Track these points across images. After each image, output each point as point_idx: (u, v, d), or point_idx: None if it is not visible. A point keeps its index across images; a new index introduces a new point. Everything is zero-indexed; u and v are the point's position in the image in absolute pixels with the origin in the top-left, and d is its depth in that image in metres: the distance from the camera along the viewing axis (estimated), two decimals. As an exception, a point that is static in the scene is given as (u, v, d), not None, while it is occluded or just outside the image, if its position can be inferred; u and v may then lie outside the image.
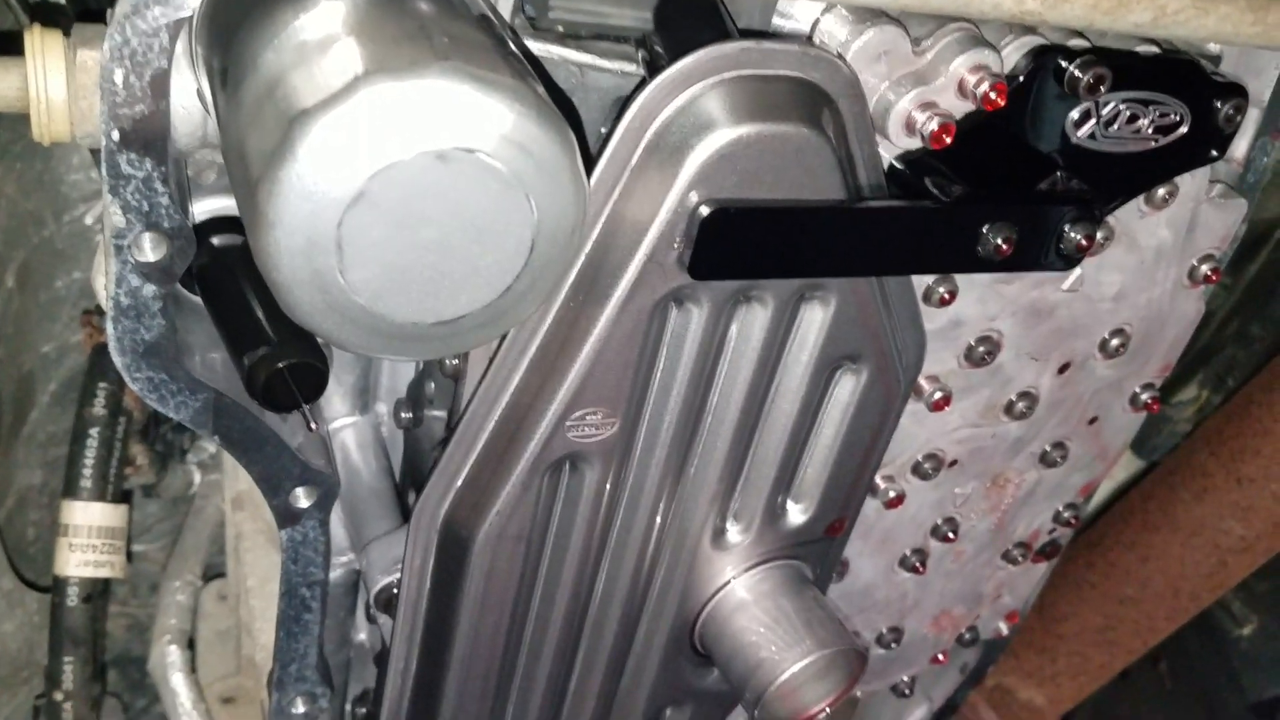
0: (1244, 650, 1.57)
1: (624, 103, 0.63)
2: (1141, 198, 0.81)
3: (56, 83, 0.63)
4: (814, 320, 0.70)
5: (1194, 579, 1.34)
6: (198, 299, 0.72)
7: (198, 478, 1.27)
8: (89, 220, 1.18)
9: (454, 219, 0.53)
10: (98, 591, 1.00)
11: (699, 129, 0.60)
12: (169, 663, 1.09)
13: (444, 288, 0.55)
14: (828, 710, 0.81)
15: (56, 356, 1.19)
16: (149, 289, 0.62)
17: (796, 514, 0.80)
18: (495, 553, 0.72)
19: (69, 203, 1.17)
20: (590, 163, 0.61)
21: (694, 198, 0.61)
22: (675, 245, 0.63)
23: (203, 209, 0.70)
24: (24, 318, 1.18)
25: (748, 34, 0.66)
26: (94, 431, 0.98)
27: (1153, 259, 0.85)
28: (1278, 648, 1.52)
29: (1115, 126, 0.74)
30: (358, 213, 0.50)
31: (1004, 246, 0.67)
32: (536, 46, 0.66)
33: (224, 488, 1.16)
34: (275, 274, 0.52)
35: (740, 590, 0.80)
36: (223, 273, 0.69)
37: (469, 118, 0.50)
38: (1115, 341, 0.87)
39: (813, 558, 0.83)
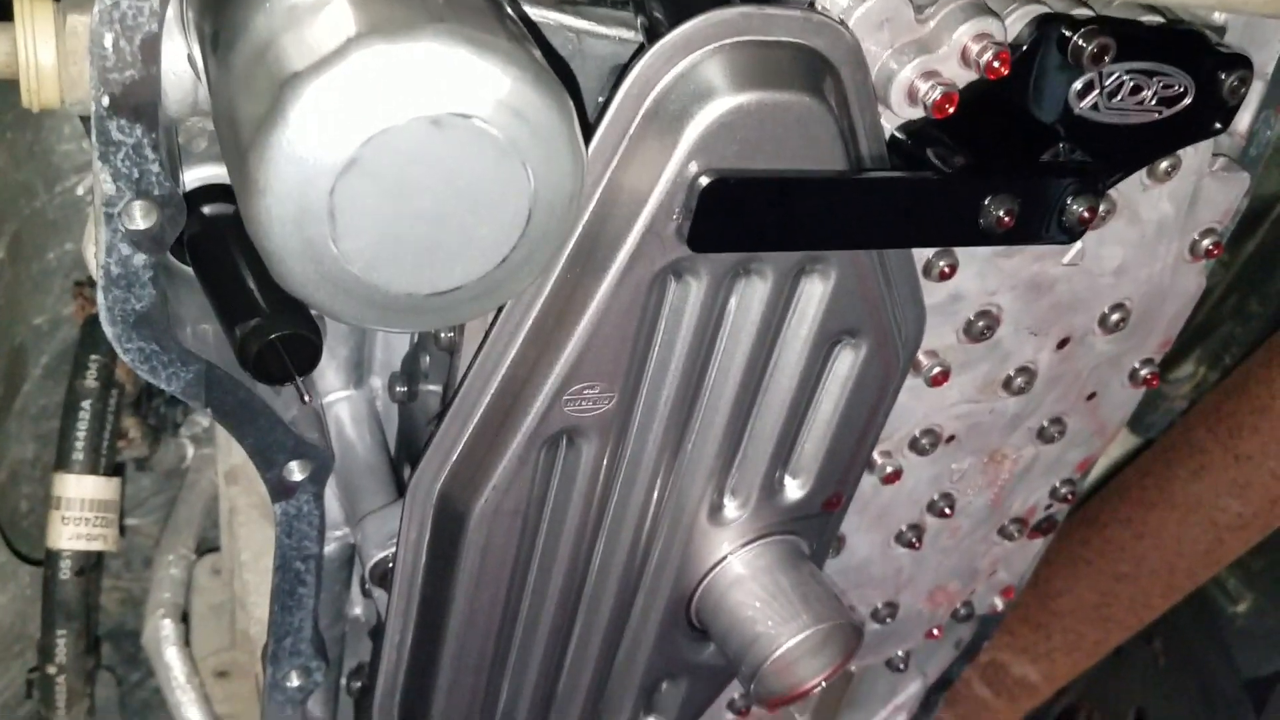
0: (1239, 627, 1.57)
1: (622, 70, 0.62)
2: (1144, 171, 0.80)
3: (46, 48, 0.62)
4: (814, 294, 0.70)
5: (1190, 556, 1.34)
6: (189, 269, 0.71)
7: (191, 451, 1.26)
8: (81, 191, 1.17)
9: (449, 187, 0.52)
10: (90, 565, 0.99)
11: (699, 97, 0.59)
12: (163, 636, 1.09)
13: (439, 258, 0.54)
14: (823, 684, 0.81)
15: (49, 329, 1.18)
16: (139, 258, 0.61)
17: (794, 489, 0.79)
18: (491, 527, 0.71)
19: (61, 173, 1.16)
20: (588, 131, 0.60)
21: (693, 168, 0.60)
22: (674, 216, 0.62)
23: (194, 177, 0.69)
24: (15, 289, 1.18)
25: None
26: (86, 404, 0.98)
27: (1154, 233, 0.84)
28: (1272, 624, 1.52)
29: (1119, 98, 0.73)
30: (350, 180, 0.49)
31: (1005, 219, 0.67)
32: (532, 11, 0.65)
33: (217, 462, 1.15)
34: (266, 242, 0.51)
35: (737, 565, 0.79)
36: (214, 242, 0.69)
37: (464, 82, 0.49)
38: (1115, 316, 0.87)
39: (809, 533, 0.82)
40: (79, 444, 0.97)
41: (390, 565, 0.78)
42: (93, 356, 0.99)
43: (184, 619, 1.17)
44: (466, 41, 0.49)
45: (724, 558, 0.80)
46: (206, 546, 1.26)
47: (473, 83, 0.49)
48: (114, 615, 1.32)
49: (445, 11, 0.49)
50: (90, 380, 0.98)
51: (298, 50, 0.48)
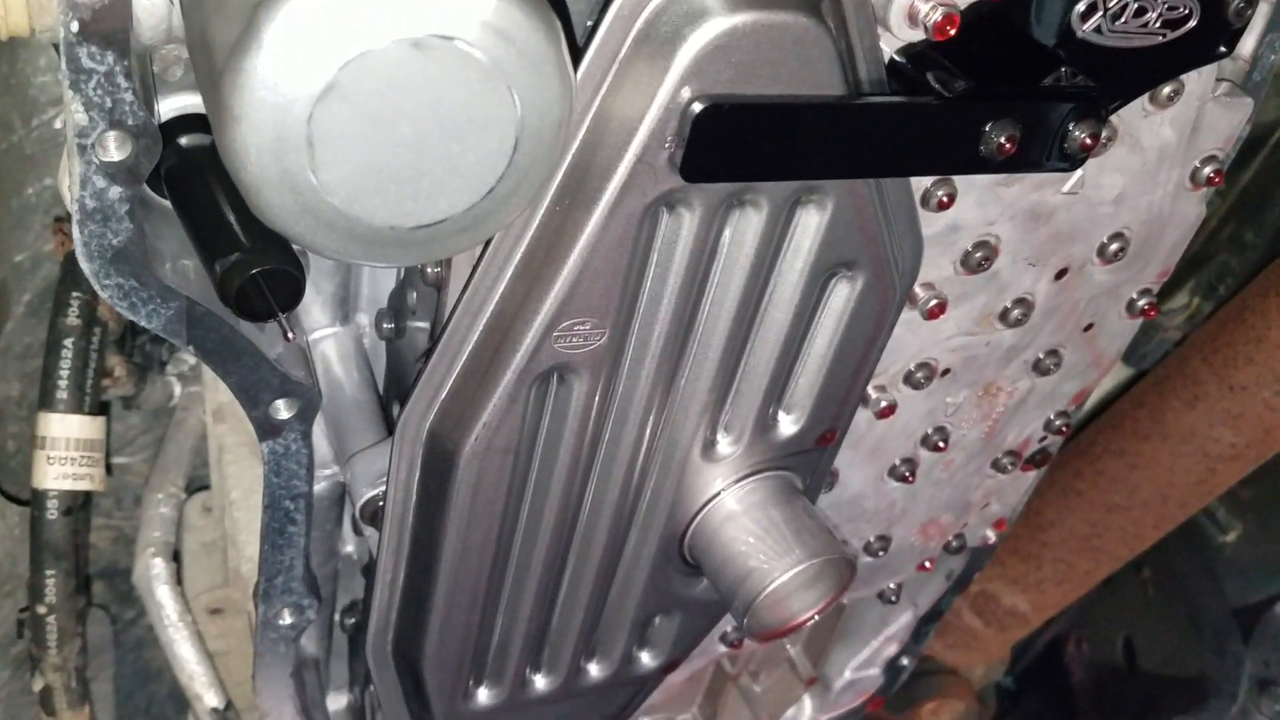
0: (1228, 556, 1.59)
1: (611, -9, 0.60)
2: (1145, 96, 0.78)
3: (10, -29, 0.60)
4: (809, 225, 0.68)
5: (1182, 486, 1.34)
6: (166, 203, 0.69)
7: (178, 390, 1.25)
8: (59, 125, 1.14)
9: (432, 114, 0.50)
10: (78, 504, 0.98)
11: (692, 18, 0.57)
12: (154, 575, 1.09)
13: (423, 189, 0.52)
14: (816, 618, 0.81)
15: (30, 266, 1.16)
16: (115, 190, 0.59)
17: (788, 425, 0.79)
18: (482, 466, 0.70)
19: (37, 106, 1.13)
20: (576, 56, 0.57)
21: (686, 93, 0.58)
22: (666, 145, 0.60)
23: (170, 107, 0.67)
24: (-7, 224, 1.15)
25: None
26: (68, 342, 0.96)
27: (1155, 160, 0.82)
28: (1261, 553, 1.53)
29: (1122, 20, 0.71)
30: (328, 106, 0.48)
31: (1006, 145, 0.65)
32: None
33: (205, 400, 1.14)
34: (243, 173, 0.49)
35: (730, 501, 0.79)
36: (192, 174, 0.66)
37: (447, 2, 0.47)
38: (1114, 246, 0.85)
39: (803, 468, 0.82)
40: (62, 383, 0.95)
41: (380, 504, 0.77)
42: (74, 294, 0.97)
43: (175, 557, 1.17)
44: (448, -41, 0.47)
45: (717, 494, 0.79)
46: (197, 485, 1.25)
47: (456, 2, 0.47)
48: (105, 554, 1.32)
49: (425, -72, 0.47)
50: (72, 318, 0.96)
51: (271, -30, 0.46)
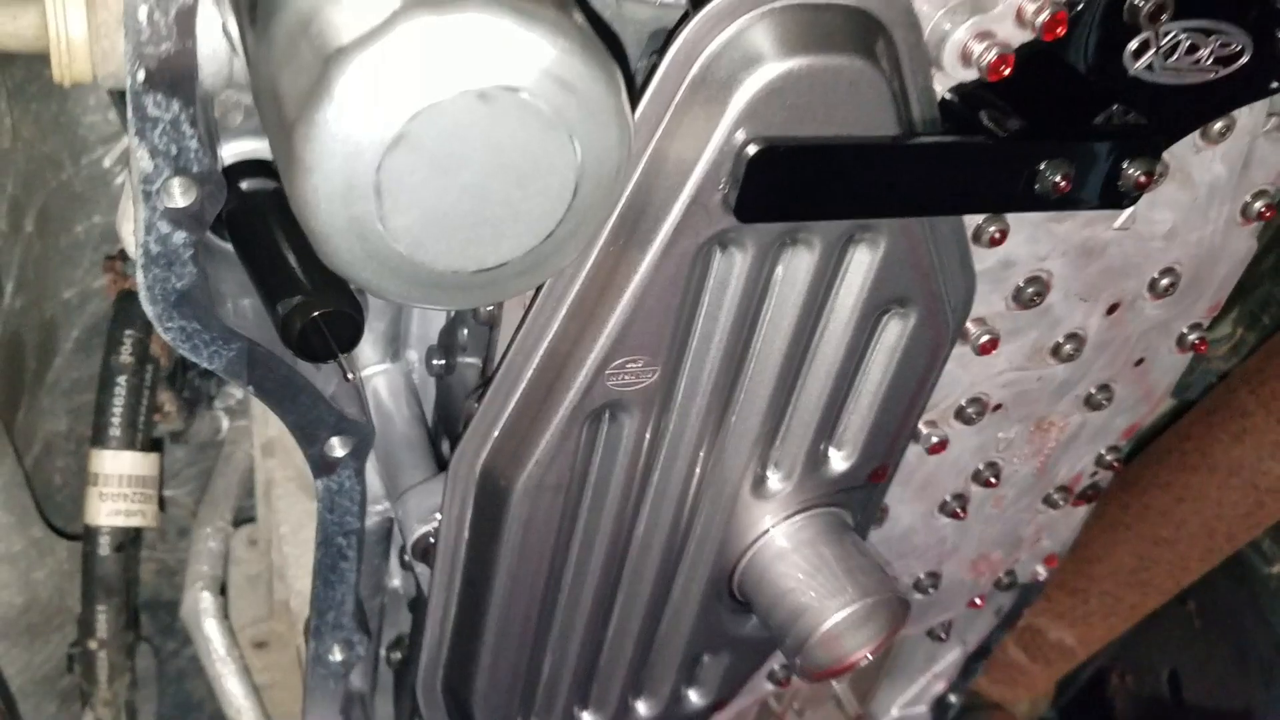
0: (1274, 588, 1.56)
1: (668, 36, 0.60)
2: (1197, 132, 0.78)
3: (77, 20, 0.61)
4: (862, 263, 0.68)
5: (1230, 519, 1.33)
6: (227, 245, 0.70)
7: (225, 423, 1.26)
8: (108, 163, 1.16)
9: (495, 161, 0.50)
10: (129, 540, 0.99)
11: (747, 63, 0.58)
12: (202, 609, 1.10)
13: (485, 234, 0.53)
14: (868, 658, 0.80)
15: (79, 303, 1.18)
16: (179, 236, 0.60)
17: (839, 461, 0.78)
18: (534, 502, 0.70)
19: (87, 145, 1.15)
20: (633, 99, 0.58)
21: (741, 136, 0.59)
22: (720, 186, 0.60)
23: (230, 152, 0.68)
24: (44, 263, 1.17)
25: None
26: (121, 380, 0.97)
27: (1206, 196, 0.82)
28: (1310, 587, 1.51)
29: (1175, 57, 0.70)
30: (397, 156, 0.48)
31: (1062, 184, 0.65)
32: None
33: (253, 434, 1.15)
34: (312, 221, 0.50)
35: (780, 538, 0.78)
36: (253, 218, 0.67)
37: (512, 54, 0.48)
38: (1165, 281, 0.85)
39: (854, 505, 0.81)
40: (115, 420, 0.97)
41: (433, 540, 0.77)
42: (127, 332, 0.99)
43: (221, 591, 1.18)
44: (513, 12, 0.47)
45: (767, 530, 0.79)
46: (242, 517, 1.26)
47: (519, 55, 0.48)
48: (150, 586, 1.33)
49: (491, -20, 0.48)
50: (125, 356, 0.97)
51: (342, 24, 0.47)
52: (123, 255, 1.13)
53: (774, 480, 0.78)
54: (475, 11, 0.47)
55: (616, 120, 0.52)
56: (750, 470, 0.76)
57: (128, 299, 1.01)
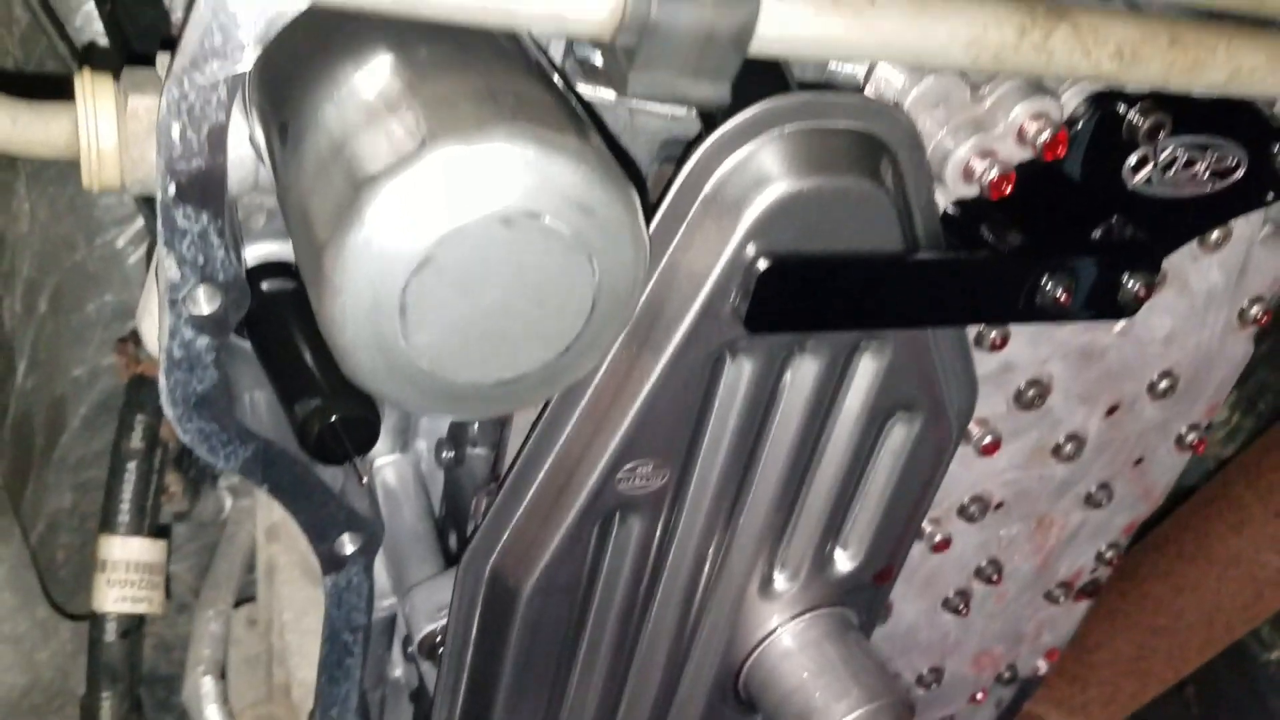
0: (1272, 675, 1.55)
1: (683, 153, 0.62)
2: (1194, 240, 0.80)
3: (108, 130, 0.63)
4: (868, 370, 0.70)
5: (1229, 610, 1.33)
6: (244, 342, 0.71)
7: (229, 503, 1.26)
8: (121, 243, 1.18)
9: (517, 281, 0.52)
10: (134, 626, 0.99)
11: (757, 183, 0.60)
12: (204, 694, 1.09)
13: (504, 348, 0.54)
14: (873, 758, 0.80)
15: (88, 380, 1.19)
16: (203, 341, 0.62)
17: (845, 562, 0.79)
18: (543, 604, 0.71)
19: (101, 226, 1.17)
20: (644, 203, 0.60)
21: (751, 250, 0.60)
22: (731, 298, 0.62)
23: (252, 254, 0.70)
24: (55, 342, 1.18)
25: (806, 85, 0.65)
26: (131, 465, 0.98)
27: (1204, 302, 0.84)
28: (1310, 676, 1.50)
29: (1172, 171, 0.73)
30: (422, 277, 0.50)
31: (1063, 297, 0.66)
32: (587, 90, 0.65)
33: (257, 516, 1.15)
34: (338, 338, 0.51)
35: (786, 638, 0.79)
36: (272, 318, 0.69)
37: (535, 182, 0.49)
38: (1164, 383, 0.86)
39: (859, 604, 0.82)
40: (124, 505, 0.97)
41: (439, 639, 0.78)
42: (138, 417, 1.00)
43: (222, 675, 1.17)
44: (537, 142, 0.49)
45: (773, 630, 0.79)
46: (242, 596, 1.26)
47: (544, 182, 0.49)
48: (148, 660, 1.32)
49: (516, 110, 0.50)
50: (136, 441, 0.98)
51: (374, 151, 0.49)
52: (135, 337, 1.14)
53: (780, 580, 0.78)
54: (502, 142, 0.48)
55: (633, 240, 0.54)
56: (757, 570, 0.77)
57: (139, 383, 1.02)
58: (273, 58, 0.56)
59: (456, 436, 0.85)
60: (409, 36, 0.52)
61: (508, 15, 0.47)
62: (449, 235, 0.49)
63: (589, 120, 0.57)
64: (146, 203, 1.00)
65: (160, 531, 0.99)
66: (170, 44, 0.64)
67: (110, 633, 0.97)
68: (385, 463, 0.89)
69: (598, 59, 0.65)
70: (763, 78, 0.62)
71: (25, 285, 1.17)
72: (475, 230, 0.49)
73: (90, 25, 1.04)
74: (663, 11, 0.48)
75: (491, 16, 0.47)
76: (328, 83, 0.53)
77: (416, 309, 0.51)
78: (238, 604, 1.24)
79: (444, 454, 0.86)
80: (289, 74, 0.56)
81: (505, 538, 0.70)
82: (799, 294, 0.63)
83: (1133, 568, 1.39)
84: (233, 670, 1.20)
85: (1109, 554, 0.99)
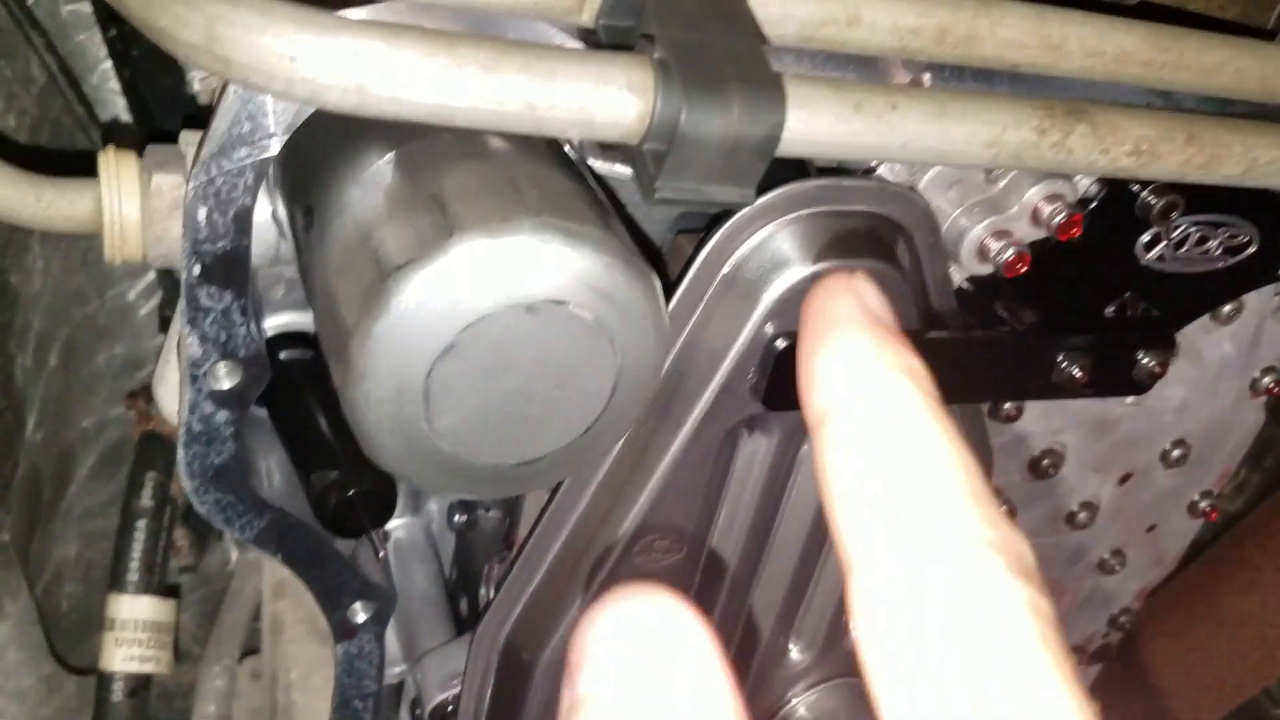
0: (1282, 731, 1.54)
1: (704, 232, 0.63)
2: (1207, 314, 0.80)
3: (131, 206, 0.63)
4: (884, 445, 0.70)
5: (1239, 670, 1.32)
6: (262, 412, 0.71)
7: (234, 556, 1.26)
8: (132, 296, 1.19)
9: (539, 365, 0.52)
10: (142, 685, 0.99)
11: (775, 265, 0.60)
12: (208, 753, 1.08)
13: (526, 431, 0.54)
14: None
15: (96, 431, 1.19)
16: (222, 415, 0.62)
17: (859, 633, 0.79)
18: (558, 677, 0.71)
19: (112, 279, 1.17)
20: (661, 276, 0.60)
21: (769, 330, 0.61)
22: (749, 376, 0.62)
23: (270, 324, 0.70)
24: (65, 394, 1.18)
25: (823, 170, 0.65)
26: (141, 524, 0.98)
27: (1216, 373, 0.84)
28: (1322, 737, 1.49)
29: (1185, 249, 0.73)
30: (447, 363, 0.50)
31: (1079, 375, 0.67)
32: (602, 166, 0.66)
33: (264, 572, 1.15)
34: (361, 422, 0.51)
35: (801, 710, 0.78)
36: (289, 388, 0.69)
37: (559, 272, 0.50)
38: (1176, 452, 0.87)
39: (872, 673, 0.81)
40: (134, 564, 0.97)
41: (450, 708, 0.77)
42: (149, 474, 1.00)
43: (225, 729, 1.16)
44: (561, 233, 0.49)
45: (788, 702, 0.79)
46: (245, 648, 1.25)
47: (567, 272, 0.50)
48: (150, 711, 1.31)
49: (539, 202, 0.50)
50: (146, 499, 0.98)
51: (400, 241, 0.49)
52: (145, 392, 1.14)
53: (795, 652, 0.78)
54: (527, 235, 0.49)
55: (654, 324, 0.54)
56: (773, 642, 0.77)
57: (150, 440, 1.02)
58: (299, 140, 0.57)
59: (469, 500, 0.85)
60: (434, 126, 0.53)
61: (538, 123, 0.48)
62: (474, 324, 0.49)
63: (608, 204, 0.57)
64: (167, 275, 1.01)
65: (169, 591, 0.99)
66: (195, 122, 0.65)
67: (117, 692, 0.96)
68: (397, 525, 0.89)
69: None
70: (782, 161, 0.62)
71: (37, 340, 1.17)
72: (500, 318, 0.49)
73: (105, 84, 1.06)
74: (690, 120, 0.48)
75: (523, 124, 0.48)
76: (355, 169, 0.54)
77: (440, 394, 0.51)
78: (243, 656, 1.24)
79: (456, 517, 0.86)
80: (315, 158, 0.56)
81: (519, 609, 0.70)
82: (816, 372, 0.63)
83: (1142, 626, 1.38)
84: (237, 725, 1.19)
85: (1122, 619, 0.98)
